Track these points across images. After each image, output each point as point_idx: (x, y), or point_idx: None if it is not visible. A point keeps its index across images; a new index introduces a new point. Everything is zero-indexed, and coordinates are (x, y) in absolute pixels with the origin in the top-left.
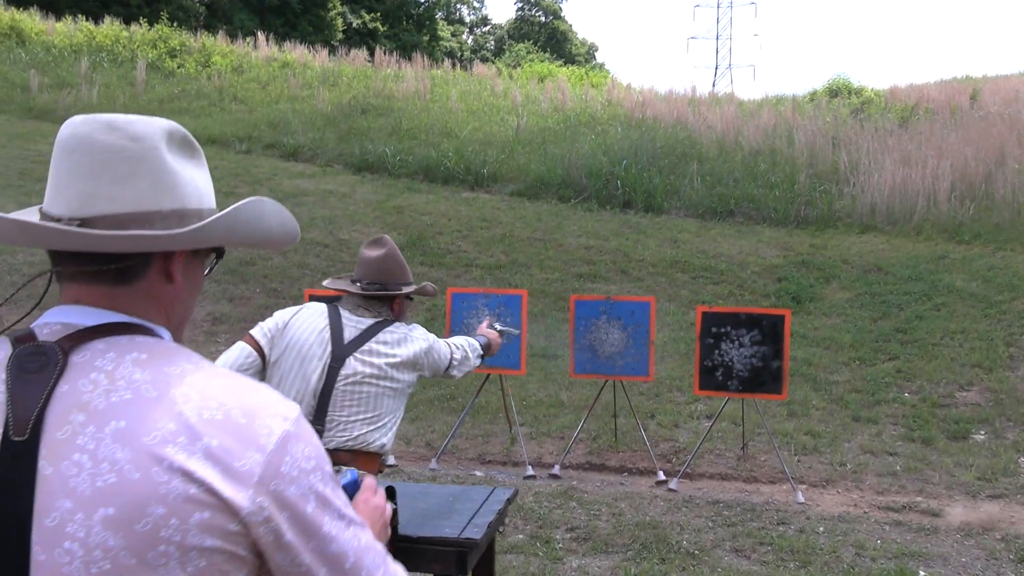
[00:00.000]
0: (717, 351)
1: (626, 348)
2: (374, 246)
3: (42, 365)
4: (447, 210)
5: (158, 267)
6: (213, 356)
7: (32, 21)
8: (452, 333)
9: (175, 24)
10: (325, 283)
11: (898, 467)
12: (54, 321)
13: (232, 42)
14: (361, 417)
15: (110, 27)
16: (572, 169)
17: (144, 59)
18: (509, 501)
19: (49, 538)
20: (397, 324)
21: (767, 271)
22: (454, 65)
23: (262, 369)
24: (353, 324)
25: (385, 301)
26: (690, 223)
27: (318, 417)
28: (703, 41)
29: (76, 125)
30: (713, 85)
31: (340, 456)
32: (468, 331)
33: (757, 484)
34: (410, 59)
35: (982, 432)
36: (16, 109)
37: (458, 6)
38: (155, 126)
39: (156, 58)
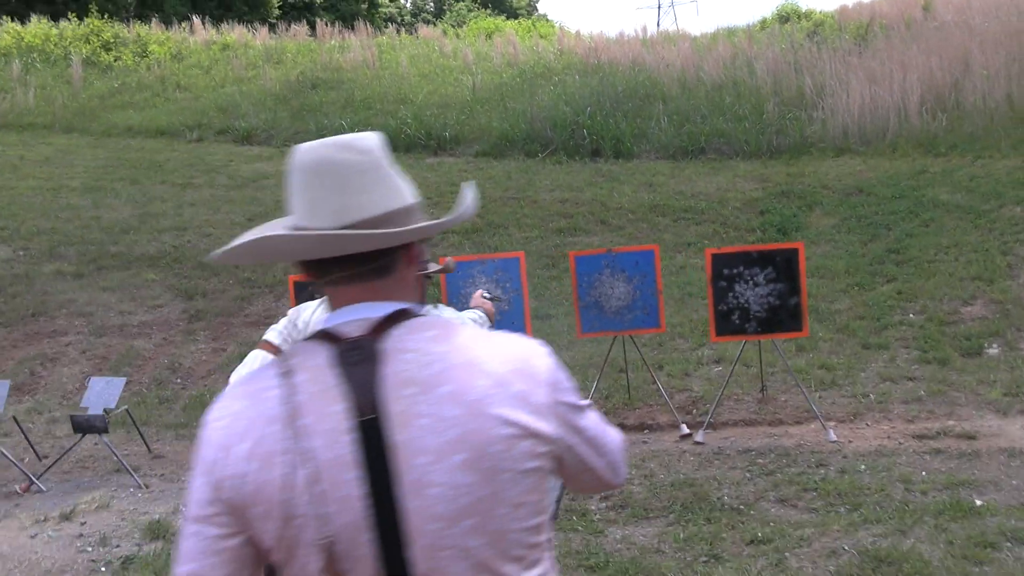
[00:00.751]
0: (731, 293)
1: (633, 300)
2: None
3: (363, 356)
4: (413, 178)
5: (404, 256)
6: (194, 355)
7: None
8: (448, 304)
9: (106, 16)
10: None
11: (922, 392)
12: (352, 319)
13: (168, 29)
14: None
15: (38, 25)
16: (535, 123)
17: (78, 55)
18: (559, 500)
19: (416, 488)
20: (427, 307)
21: (748, 205)
22: (399, 30)
23: None
24: None
25: None
26: (663, 165)
27: None
28: None
29: (315, 150)
30: (658, 24)
31: None
32: (465, 300)
33: (784, 426)
34: (353, 29)
35: (995, 345)
36: None
37: None
38: (374, 139)
39: (91, 53)
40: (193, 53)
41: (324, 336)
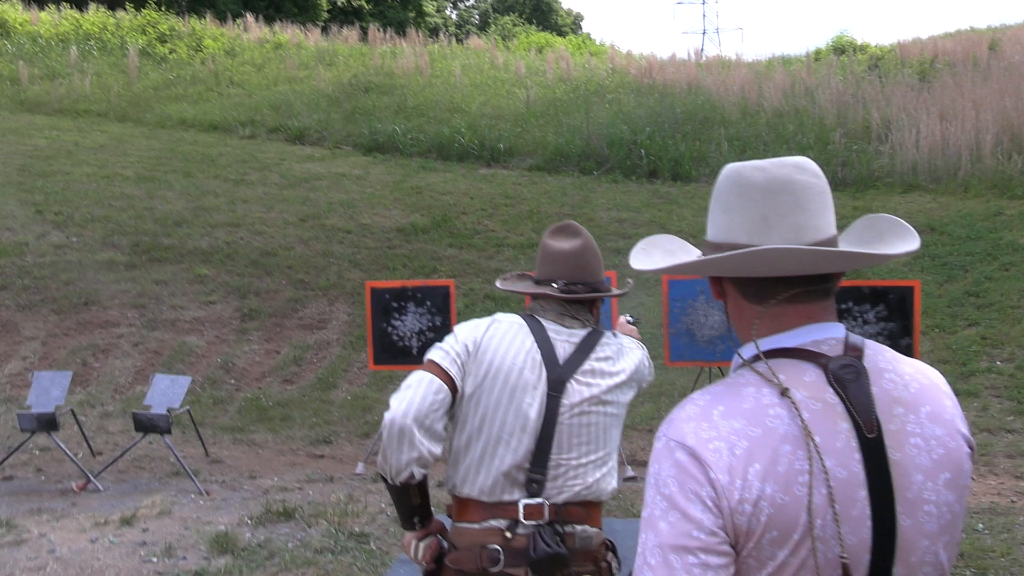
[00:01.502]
0: None
1: (727, 331)
2: (566, 236)
3: (856, 374)
4: (467, 188)
5: (837, 279)
6: (247, 355)
7: (15, 11)
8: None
9: (162, 8)
10: (500, 284)
11: None
12: (823, 338)
13: (222, 25)
14: (592, 458)
15: (96, 14)
16: (592, 139)
17: (134, 45)
18: None
19: (911, 506)
20: (607, 333)
21: None
22: (450, 40)
23: (451, 406)
24: (564, 338)
25: (586, 304)
26: None
27: (538, 462)
28: (689, 6)
29: (768, 169)
30: (702, 49)
31: (573, 512)
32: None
33: None
34: (404, 35)
35: None
36: (7, 102)
37: None
38: (815, 165)
39: (146, 44)
40: (246, 50)
41: (799, 354)
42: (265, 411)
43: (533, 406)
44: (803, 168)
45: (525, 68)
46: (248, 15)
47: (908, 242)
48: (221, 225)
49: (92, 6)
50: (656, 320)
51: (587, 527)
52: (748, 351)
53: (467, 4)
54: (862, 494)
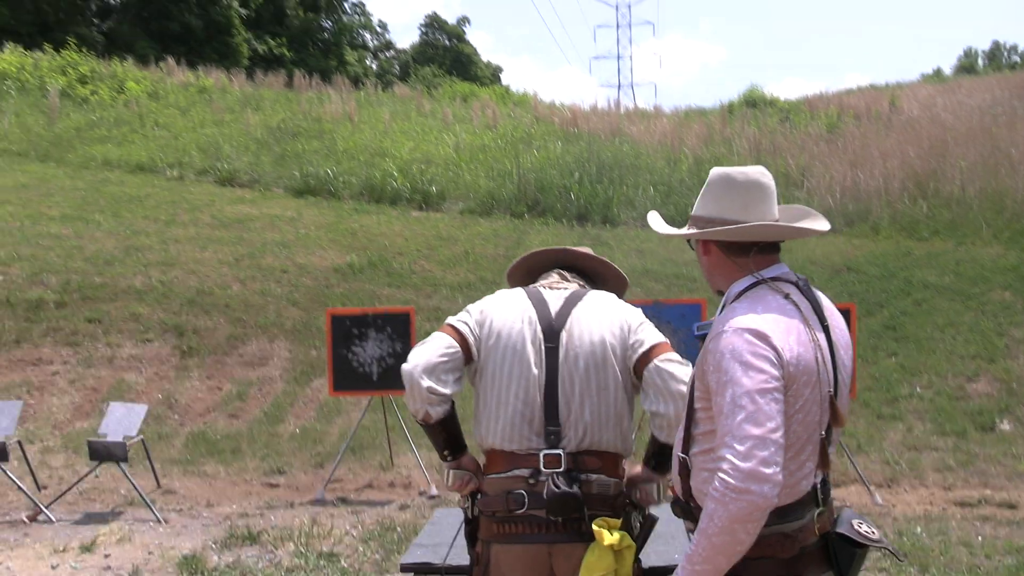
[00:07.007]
0: None
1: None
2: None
3: (810, 289)
4: (402, 230)
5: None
6: (189, 392)
7: None
8: None
9: (83, 50)
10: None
11: (951, 462)
12: (785, 271)
13: (144, 68)
14: (601, 410)
15: (12, 54)
16: (523, 184)
17: (55, 86)
18: None
19: (842, 365)
20: (597, 292)
21: None
22: (376, 86)
23: (464, 362)
24: (557, 296)
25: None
26: (650, 233)
27: (551, 414)
28: (605, 61)
29: (747, 173)
30: (618, 100)
31: (587, 461)
32: None
33: None
34: (330, 82)
35: (1006, 422)
36: None
37: (361, 31)
38: None
39: (67, 85)
40: (170, 93)
41: (779, 279)
42: (213, 444)
43: (533, 359)
44: (766, 174)
45: (452, 115)
46: (169, 59)
47: (821, 221)
48: (154, 264)
49: (9, 46)
50: None
51: (603, 476)
52: (747, 281)
53: (388, 55)
54: (830, 356)
